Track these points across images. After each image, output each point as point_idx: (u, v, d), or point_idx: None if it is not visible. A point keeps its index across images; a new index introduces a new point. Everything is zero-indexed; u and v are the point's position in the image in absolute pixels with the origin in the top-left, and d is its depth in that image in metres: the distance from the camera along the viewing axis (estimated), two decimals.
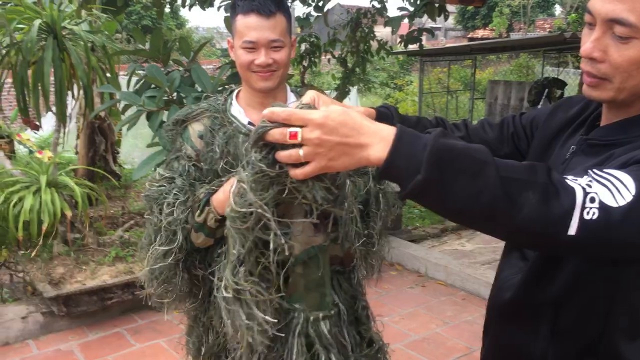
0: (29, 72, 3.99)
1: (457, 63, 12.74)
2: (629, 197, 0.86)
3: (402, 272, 4.54)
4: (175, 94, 3.03)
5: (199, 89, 2.95)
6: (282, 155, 0.97)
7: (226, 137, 1.65)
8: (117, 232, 4.31)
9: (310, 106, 1.02)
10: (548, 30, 20.72)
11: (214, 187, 1.61)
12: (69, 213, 3.66)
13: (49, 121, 5.88)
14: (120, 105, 3.88)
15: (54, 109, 4.17)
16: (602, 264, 1.05)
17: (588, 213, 0.85)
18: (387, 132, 0.91)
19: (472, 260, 4.47)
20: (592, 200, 0.86)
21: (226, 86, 2.83)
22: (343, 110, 0.93)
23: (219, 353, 1.73)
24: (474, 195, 0.86)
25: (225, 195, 1.56)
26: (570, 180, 0.90)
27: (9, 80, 4.11)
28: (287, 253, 1.20)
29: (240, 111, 1.67)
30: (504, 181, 0.86)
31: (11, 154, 4.80)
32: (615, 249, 0.91)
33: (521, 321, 1.21)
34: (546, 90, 7.38)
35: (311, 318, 1.55)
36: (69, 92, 4.28)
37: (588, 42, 1.03)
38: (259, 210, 1.09)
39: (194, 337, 1.82)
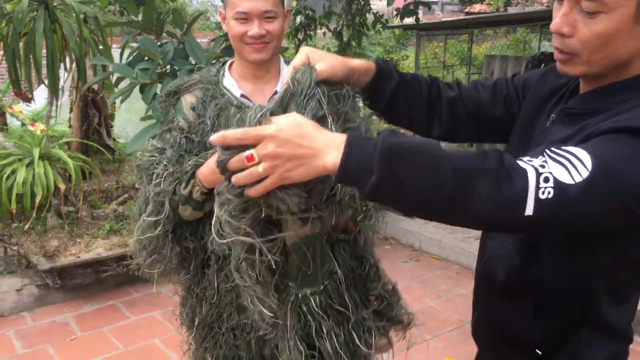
0: (20, 43, 3.94)
1: (454, 38, 12.65)
2: (585, 173, 0.87)
3: (396, 247, 4.57)
4: (168, 66, 3.00)
5: (193, 62, 2.92)
6: (242, 175, 0.96)
7: (217, 109, 1.63)
8: (111, 205, 4.30)
9: (262, 122, 1.00)
10: (545, 4, 20.54)
11: (201, 160, 1.61)
12: (62, 186, 3.66)
13: (41, 94, 5.82)
14: (113, 78, 3.84)
15: (46, 81, 4.13)
16: (578, 245, 1.06)
17: (543, 193, 0.86)
18: (339, 140, 0.91)
19: (466, 234, 4.49)
20: (547, 179, 0.86)
21: (220, 59, 2.80)
22: (296, 122, 0.93)
23: (212, 324, 1.75)
24: (430, 190, 0.87)
25: (209, 169, 1.56)
26: (525, 161, 0.89)
27: (0, 52, 4.06)
28: (274, 267, 1.23)
29: (233, 83, 1.66)
30: (457, 173, 0.86)
31: (3, 127, 4.76)
32: (574, 224, 0.92)
33: (508, 296, 1.22)
34: (542, 64, 7.34)
35: (300, 295, 1.58)
36: (61, 64, 4.23)
37: (557, 18, 1.03)
38: (242, 238, 1.09)
39: (187, 308, 1.83)
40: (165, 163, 1.63)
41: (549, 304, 1.15)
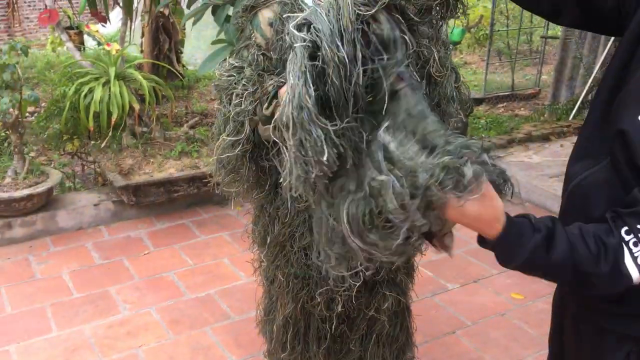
0: None
1: None
2: None
3: None
4: None
5: None
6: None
7: None
8: (183, 128, 4.38)
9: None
10: None
11: (282, 80, 1.57)
12: (137, 106, 3.73)
13: (116, 17, 5.89)
14: (184, 2, 3.82)
15: (120, 2, 4.16)
16: None
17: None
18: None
19: (540, 172, 4.32)
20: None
21: None
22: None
23: (284, 242, 1.76)
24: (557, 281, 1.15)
25: None
26: (625, 240, 0.99)
27: None
28: None
29: None
30: (577, 276, 1.04)
31: (80, 46, 4.86)
32: None
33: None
34: None
35: None
36: None
37: None
38: None
39: (260, 227, 1.85)
40: (244, 82, 1.60)
41: None
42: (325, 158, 0.96)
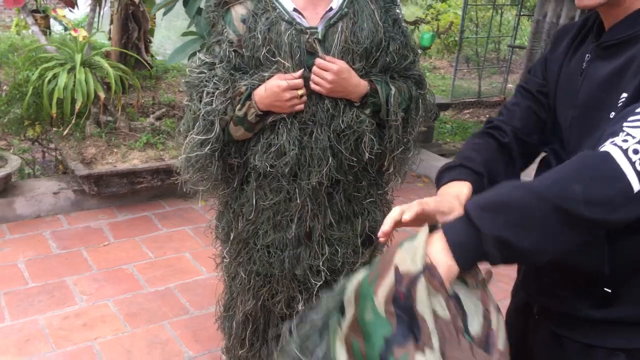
0: None
1: None
2: None
3: (429, 185, 4.53)
4: None
5: None
6: None
7: (269, 23, 1.58)
8: (149, 119, 4.32)
9: None
10: None
11: (255, 81, 1.57)
12: (102, 94, 3.66)
13: (84, 2, 5.77)
14: None
15: None
16: None
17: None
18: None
19: None
20: (636, 151, 0.85)
21: None
22: None
23: (248, 239, 1.76)
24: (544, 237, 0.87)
25: (267, 92, 1.53)
26: (609, 144, 0.87)
27: None
28: None
29: None
30: (555, 204, 0.85)
31: (46, 30, 4.74)
32: None
33: None
34: None
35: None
36: None
37: None
38: None
39: (223, 223, 1.84)
40: (215, 81, 1.59)
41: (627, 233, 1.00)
42: None
